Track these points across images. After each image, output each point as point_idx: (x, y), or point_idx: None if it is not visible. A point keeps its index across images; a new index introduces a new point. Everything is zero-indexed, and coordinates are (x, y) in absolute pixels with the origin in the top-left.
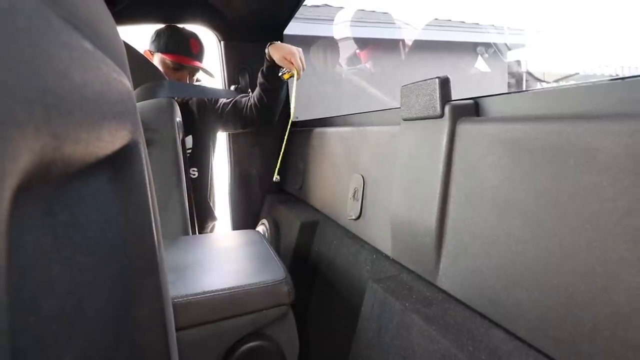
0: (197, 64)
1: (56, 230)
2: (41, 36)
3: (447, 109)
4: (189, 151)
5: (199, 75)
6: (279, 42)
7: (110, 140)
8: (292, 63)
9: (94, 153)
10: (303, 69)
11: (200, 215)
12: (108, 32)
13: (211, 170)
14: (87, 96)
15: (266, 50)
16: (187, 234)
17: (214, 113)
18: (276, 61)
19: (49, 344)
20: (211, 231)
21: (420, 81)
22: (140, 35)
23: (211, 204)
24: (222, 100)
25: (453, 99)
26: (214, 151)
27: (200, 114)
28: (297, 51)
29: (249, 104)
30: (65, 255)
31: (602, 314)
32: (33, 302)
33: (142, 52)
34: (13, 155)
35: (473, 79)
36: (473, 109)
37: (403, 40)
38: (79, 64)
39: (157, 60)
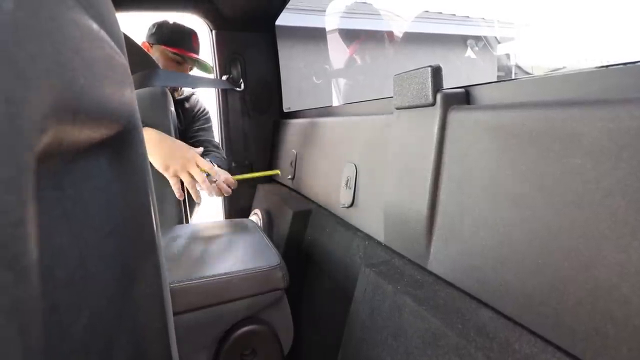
0: (199, 58)
1: (65, 205)
2: (57, 11)
3: (438, 97)
4: None
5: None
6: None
7: (114, 119)
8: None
9: (99, 131)
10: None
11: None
12: (108, 13)
13: None
14: (95, 74)
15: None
16: (181, 224)
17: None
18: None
19: (62, 311)
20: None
21: (413, 70)
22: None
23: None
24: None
25: (444, 87)
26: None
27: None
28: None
29: None
30: (74, 229)
31: (584, 290)
32: (49, 269)
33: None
34: (38, 125)
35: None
36: (464, 97)
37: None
38: (87, 41)
39: (157, 52)
